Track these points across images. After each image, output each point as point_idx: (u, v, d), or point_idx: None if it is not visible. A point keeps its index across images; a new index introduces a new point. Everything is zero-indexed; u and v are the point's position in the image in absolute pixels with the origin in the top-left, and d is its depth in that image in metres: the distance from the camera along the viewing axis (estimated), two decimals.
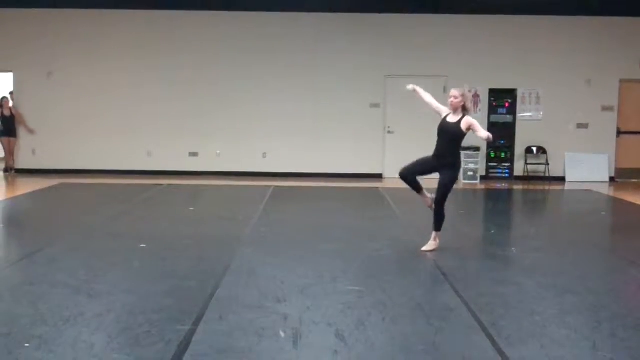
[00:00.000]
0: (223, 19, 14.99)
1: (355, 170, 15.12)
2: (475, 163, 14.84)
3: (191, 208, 10.72)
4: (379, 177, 15.15)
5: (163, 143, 15.17)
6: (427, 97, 7.94)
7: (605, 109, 15.11)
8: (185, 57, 15.06)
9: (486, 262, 7.19)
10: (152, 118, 15.14)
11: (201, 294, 5.52)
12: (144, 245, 7.51)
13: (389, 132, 15.20)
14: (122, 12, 14.89)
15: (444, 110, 7.50)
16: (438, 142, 7.40)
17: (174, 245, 7.68)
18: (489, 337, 4.59)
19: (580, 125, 15.19)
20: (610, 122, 15.18)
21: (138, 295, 5.54)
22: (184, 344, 4.38)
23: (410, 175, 7.51)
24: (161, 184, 13.46)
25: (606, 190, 13.82)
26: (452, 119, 7.26)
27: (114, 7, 14.71)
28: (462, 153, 14.69)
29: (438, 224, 7.47)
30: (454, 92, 7.32)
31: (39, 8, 14.76)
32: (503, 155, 15.30)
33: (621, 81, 15.02)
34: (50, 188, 12.81)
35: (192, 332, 4.59)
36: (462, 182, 14.64)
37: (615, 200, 12.40)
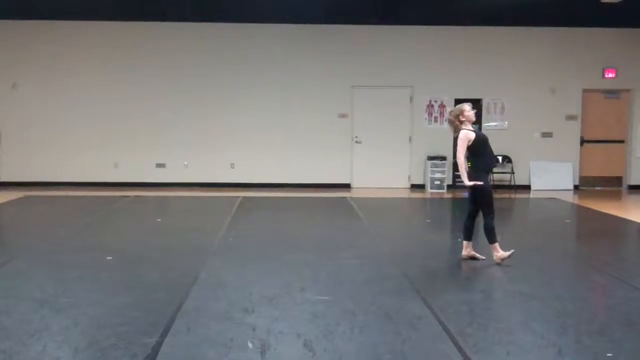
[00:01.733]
0: (191, 31, 14.94)
1: (324, 180, 15.14)
2: (442, 172, 14.96)
3: (158, 219, 10.64)
4: (347, 186, 15.19)
5: (130, 154, 15.05)
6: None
7: (569, 118, 15.36)
8: (152, 68, 14.98)
9: (452, 270, 7.25)
10: (118, 129, 15.00)
11: (169, 306, 5.48)
12: (111, 258, 7.44)
13: (356, 142, 15.27)
14: (89, 23, 14.74)
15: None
16: None
17: (141, 257, 7.62)
18: (456, 345, 4.63)
19: (545, 134, 15.41)
20: (574, 131, 15.44)
21: (104, 308, 5.49)
22: (151, 357, 4.35)
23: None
24: (128, 196, 13.35)
25: (570, 198, 14.03)
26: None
27: (81, 19, 14.56)
28: (429, 162, 14.95)
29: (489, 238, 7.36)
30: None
31: (3, 19, 14.57)
32: (469, 164, 15.39)
33: (584, 91, 15.28)
34: (14, 201, 12.62)
35: (159, 345, 4.56)
36: (429, 192, 14.76)
37: (579, 208, 12.60)
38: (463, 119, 7.29)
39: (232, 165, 15.17)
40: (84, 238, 8.88)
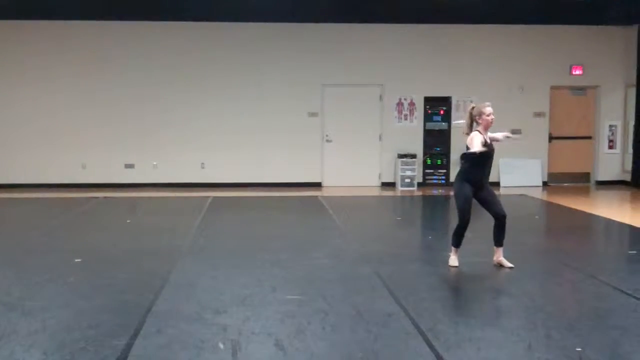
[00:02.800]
0: (161, 29, 14.82)
1: (294, 179, 15.13)
2: (412, 170, 15.03)
3: (128, 221, 10.54)
4: (318, 185, 15.19)
5: (98, 155, 14.87)
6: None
7: (537, 115, 15.53)
8: (120, 68, 14.83)
9: (424, 267, 7.28)
10: (86, 129, 14.82)
11: (138, 308, 5.43)
12: (80, 260, 7.35)
13: (327, 140, 15.28)
14: (53, 23, 14.54)
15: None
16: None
17: (111, 258, 7.54)
18: (427, 342, 4.65)
19: (514, 131, 15.51)
20: (542, 127, 15.60)
21: (73, 310, 5.43)
22: (120, 359, 4.30)
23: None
24: (97, 197, 13.20)
25: (539, 194, 14.18)
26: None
27: (46, 18, 14.35)
28: (399, 160, 15.01)
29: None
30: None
31: None
32: (439, 162, 15.54)
33: (552, 88, 15.46)
34: None
35: (129, 347, 4.52)
36: (399, 189, 14.82)
37: (548, 204, 12.73)
38: (480, 121, 6.93)
39: (202, 165, 15.09)
40: (52, 240, 8.77)
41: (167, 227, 9.67)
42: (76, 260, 7.34)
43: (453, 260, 7.08)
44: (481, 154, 6.68)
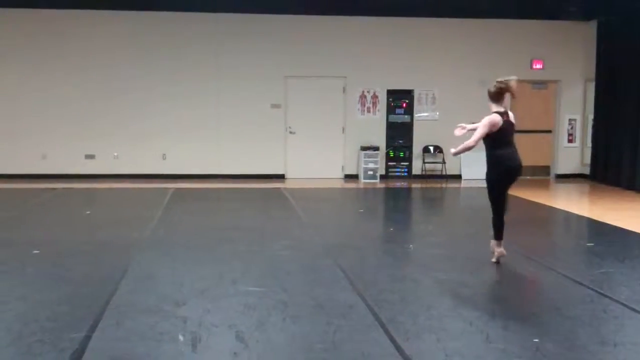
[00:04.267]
0: (121, 18, 14.59)
1: (257, 170, 15.07)
2: (375, 163, 15.08)
3: (87, 212, 10.38)
4: (281, 177, 15.16)
5: (58, 145, 14.62)
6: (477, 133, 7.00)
7: None
8: (81, 56, 14.57)
9: (385, 259, 7.31)
10: (45, 119, 14.55)
11: (97, 300, 5.36)
12: (37, 252, 7.23)
13: (290, 132, 15.24)
14: (10, 11, 14.23)
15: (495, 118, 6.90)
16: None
17: (69, 250, 7.42)
18: (387, 333, 4.68)
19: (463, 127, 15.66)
20: None
21: (31, 303, 5.35)
22: (78, 352, 4.25)
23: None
24: (56, 188, 12.98)
25: None
26: None
27: (4, 6, 14.05)
28: (362, 153, 15.05)
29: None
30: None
31: None
32: (402, 154, 15.62)
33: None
34: None
35: (87, 340, 4.46)
36: (362, 182, 14.87)
37: (509, 197, 12.86)
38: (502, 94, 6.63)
39: (164, 156, 14.93)
40: (10, 232, 8.61)
41: (127, 219, 9.56)
42: (34, 252, 7.22)
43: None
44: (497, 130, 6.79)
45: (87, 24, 14.58)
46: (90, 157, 14.78)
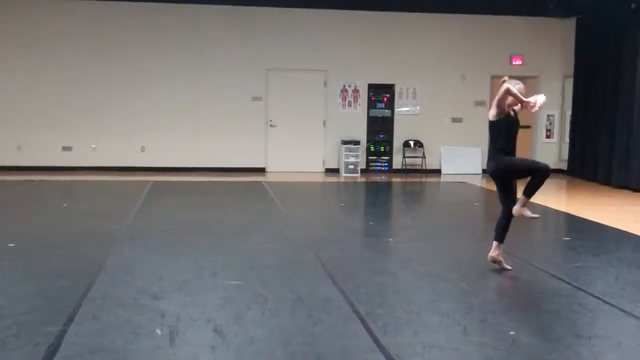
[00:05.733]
0: (100, 8, 14.46)
1: (238, 164, 15.02)
2: (356, 157, 15.10)
3: (64, 205, 10.29)
4: (261, 170, 15.12)
5: (34, 136, 14.46)
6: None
7: (478, 104, 15.75)
8: (57, 46, 14.43)
9: (365, 253, 7.33)
10: (22, 109, 14.40)
11: (74, 294, 5.31)
12: (13, 245, 7.14)
13: (271, 125, 15.20)
14: None
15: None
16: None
17: (46, 243, 7.35)
18: (365, 326, 4.68)
19: (455, 120, 15.77)
20: (482, 116, 15.72)
21: (6, 296, 5.28)
22: (54, 346, 4.20)
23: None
24: (32, 180, 12.85)
25: (479, 182, 14.42)
26: None
27: None
28: (343, 147, 15.06)
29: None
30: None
31: None
32: (382, 149, 15.65)
33: (492, 77, 15.69)
34: None
35: (63, 333, 4.41)
36: (343, 176, 14.87)
37: (487, 192, 12.95)
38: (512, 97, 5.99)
39: (143, 149, 14.83)
40: None
41: (105, 212, 9.48)
42: (9, 244, 7.13)
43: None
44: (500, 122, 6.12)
45: (64, 13, 14.45)
46: (67, 148, 14.65)
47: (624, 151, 13.13)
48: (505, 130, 6.20)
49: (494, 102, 6.20)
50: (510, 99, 6.11)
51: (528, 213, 6.20)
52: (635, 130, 12.83)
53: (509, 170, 6.29)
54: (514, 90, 5.99)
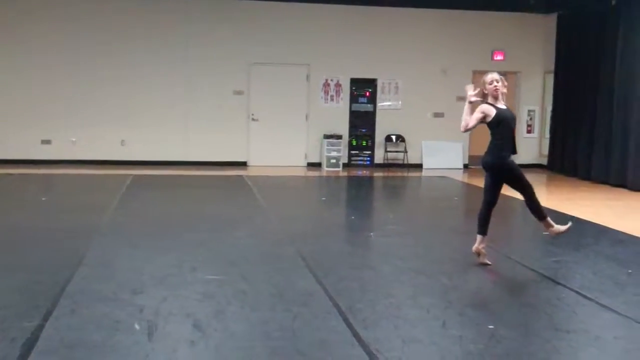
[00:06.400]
0: (83, 1, 14.31)
1: (219, 157, 14.94)
2: (338, 151, 15.09)
3: (43, 198, 10.20)
4: (243, 164, 15.07)
5: (13, 129, 14.27)
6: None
7: (460, 99, 15.72)
8: (38, 38, 14.25)
9: (345, 247, 7.34)
10: (0, 102, 14.23)
11: (52, 288, 5.27)
12: None
13: (253, 119, 15.15)
14: None
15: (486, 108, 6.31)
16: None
17: (24, 237, 7.28)
18: (346, 320, 4.69)
19: (437, 115, 15.79)
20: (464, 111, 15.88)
21: None
22: (30, 341, 4.17)
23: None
24: (11, 174, 12.72)
25: (460, 176, 14.48)
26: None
27: None
28: (325, 141, 15.04)
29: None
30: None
31: None
32: (364, 143, 15.65)
33: (474, 72, 15.72)
34: None
35: (40, 328, 4.38)
36: (325, 170, 14.87)
37: (467, 186, 13.03)
38: (486, 92, 6.25)
39: (122, 142, 14.71)
40: None
41: (85, 205, 9.40)
42: None
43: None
44: (491, 120, 6.26)
45: (45, 5, 14.28)
46: (46, 142, 14.50)
47: (603, 147, 13.22)
48: (495, 126, 6.39)
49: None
50: (470, 106, 6.41)
51: (562, 228, 6.45)
52: (615, 126, 12.93)
53: (511, 172, 6.54)
54: (466, 103, 6.36)
